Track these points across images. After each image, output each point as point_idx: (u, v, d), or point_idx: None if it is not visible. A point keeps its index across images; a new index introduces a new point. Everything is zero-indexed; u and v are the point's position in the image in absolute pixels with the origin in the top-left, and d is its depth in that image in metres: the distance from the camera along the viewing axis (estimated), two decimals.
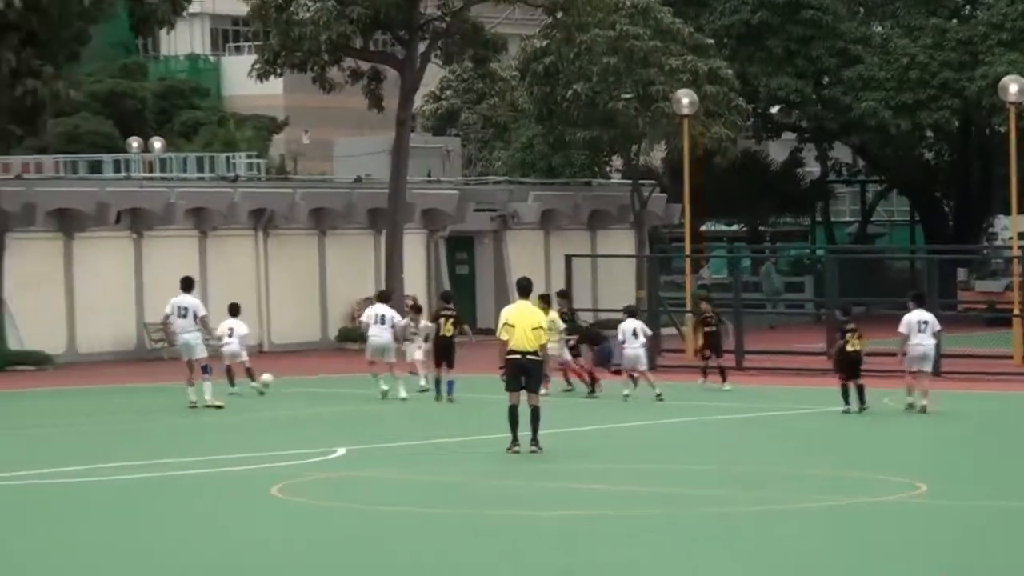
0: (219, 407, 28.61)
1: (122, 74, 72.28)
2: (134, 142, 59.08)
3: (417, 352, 30.93)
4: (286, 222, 45.56)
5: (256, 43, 50.84)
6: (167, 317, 29.41)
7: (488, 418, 25.33)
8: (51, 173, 50.37)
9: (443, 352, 29.73)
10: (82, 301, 41.64)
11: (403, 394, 29.94)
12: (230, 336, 31.54)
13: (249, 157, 55.83)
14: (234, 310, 32.29)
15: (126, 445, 24.78)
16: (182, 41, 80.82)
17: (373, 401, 29.96)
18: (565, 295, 33.12)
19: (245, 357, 31.80)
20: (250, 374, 31.53)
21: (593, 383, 30.89)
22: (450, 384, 29.68)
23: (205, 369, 28.77)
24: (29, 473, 21.10)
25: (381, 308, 30.89)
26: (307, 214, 45.78)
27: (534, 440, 22.27)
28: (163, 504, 18.94)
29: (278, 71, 45.83)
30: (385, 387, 30.05)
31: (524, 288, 22.84)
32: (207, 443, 24.53)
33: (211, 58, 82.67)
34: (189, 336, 28.96)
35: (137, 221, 43.03)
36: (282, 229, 45.67)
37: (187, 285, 29.61)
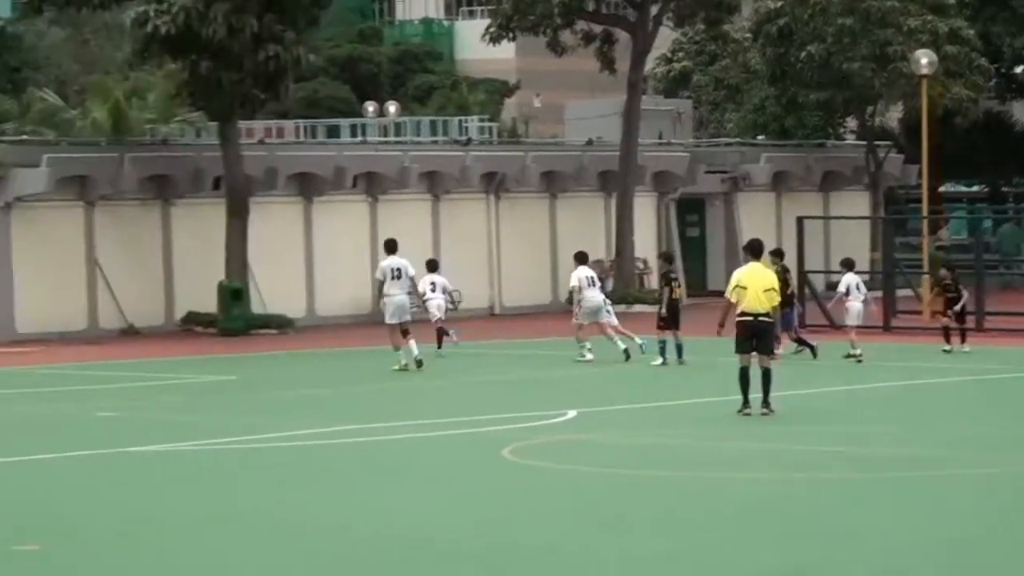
0: (414, 368, 28.90)
1: (359, 39, 73.51)
2: (370, 106, 59.99)
3: (612, 317, 30.93)
4: (517, 185, 45.83)
5: (489, 7, 51.20)
6: (380, 283, 29.63)
7: (718, 381, 25.25)
8: (291, 138, 51.44)
9: (674, 315, 29.70)
10: (320, 265, 42.44)
11: (622, 345, 29.95)
12: (433, 291, 31.92)
13: (481, 120, 56.33)
14: (433, 265, 32.59)
15: (361, 408, 25.23)
16: (416, 6, 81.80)
17: (603, 364, 30.04)
18: (779, 253, 32.52)
19: (443, 314, 32.01)
20: (440, 334, 31.84)
21: (812, 347, 30.35)
22: (679, 347, 29.62)
23: (406, 333, 29.11)
24: (271, 436, 21.61)
25: (587, 270, 31.01)
26: (538, 177, 46.00)
27: (765, 402, 22.17)
28: (397, 465, 19.25)
29: (511, 35, 46.13)
30: (625, 344, 30.16)
31: (755, 250, 22.71)
32: (439, 405, 24.87)
33: (445, 22, 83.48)
34: (405, 298, 29.25)
35: (372, 185, 43.69)
36: (513, 192, 45.97)
37: (393, 247, 29.91)
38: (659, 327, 29.82)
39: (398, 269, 29.31)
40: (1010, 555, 13.71)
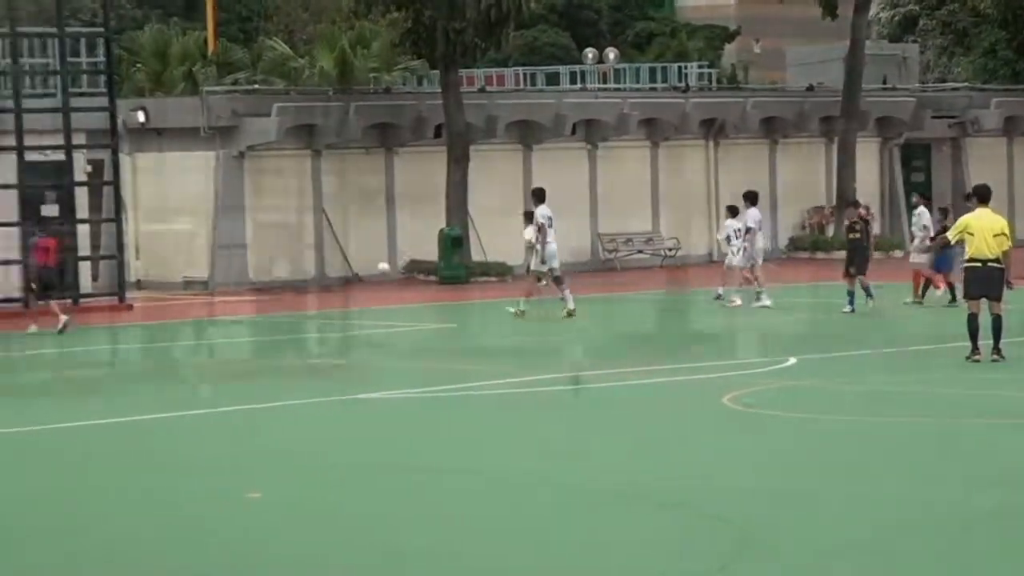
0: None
1: None
2: (589, 53, 59.89)
3: (735, 260, 30.48)
4: (737, 131, 45.49)
5: None
6: (540, 228, 29.52)
7: (942, 327, 24.84)
8: (511, 85, 51.59)
9: (857, 260, 29.25)
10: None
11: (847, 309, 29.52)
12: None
13: (700, 67, 55.91)
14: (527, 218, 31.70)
15: (579, 354, 25.31)
16: None
17: (823, 310, 29.73)
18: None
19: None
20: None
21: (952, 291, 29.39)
22: (867, 289, 29.17)
23: (559, 280, 29.02)
24: (491, 383, 21.82)
25: (757, 212, 30.84)
26: (758, 123, 45.60)
27: (996, 348, 21.81)
28: (619, 412, 19.32)
29: None
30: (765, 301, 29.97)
31: (983, 195, 22.32)
32: (659, 352, 24.85)
33: None
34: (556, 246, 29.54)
35: (592, 132, 43.70)
36: (732, 138, 45.64)
37: (543, 195, 29.85)
38: (846, 275, 29.19)
39: (550, 217, 29.51)
40: None
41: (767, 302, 30.15)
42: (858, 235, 29.75)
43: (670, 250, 43.86)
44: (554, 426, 18.15)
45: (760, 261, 30.88)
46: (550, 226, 29.57)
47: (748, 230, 30.52)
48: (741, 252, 30.51)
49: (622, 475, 15.08)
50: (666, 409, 19.33)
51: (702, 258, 44.48)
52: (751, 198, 31.39)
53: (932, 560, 11.92)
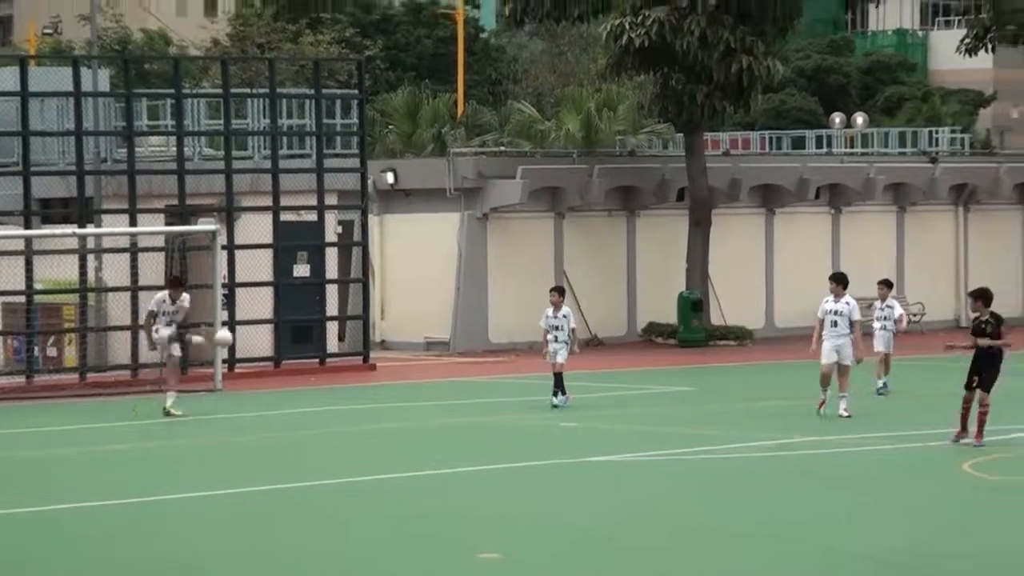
0: None
1: (829, 50, 72.94)
2: (837, 118, 59.43)
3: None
4: (989, 197, 44.73)
5: (967, 17, 50.12)
6: None
7: None
8: (756, 149, 51.48)
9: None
10: (780, 276, 42.36)
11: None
12: None
13: (952, 132, 55.10)
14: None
15: (816, 420, 25.01)
16: (891, 16, 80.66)
17: None
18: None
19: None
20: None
21: None
22: None
23: None
24: (729, 447, 21.77)
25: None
26: (1011, 189, 44.79)
27: None
28: (852, 477, 19.14)
29: (989, 46, 45.09)
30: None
31: None
32: (900, 418, 24.55)
33: (919, 33, 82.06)
34: None
35: (836, 196, 43.38)
36: (984, 204, 44.89)
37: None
38: None
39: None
40: None
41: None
42: None
43: (915, 315, 43.24)
44: (785, 491, 18.03)
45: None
46: None
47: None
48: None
49: (843, 539, 14.90)
50: (903, 475, 19.09)
51: (949, 323, 43.76)
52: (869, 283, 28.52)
53: None
